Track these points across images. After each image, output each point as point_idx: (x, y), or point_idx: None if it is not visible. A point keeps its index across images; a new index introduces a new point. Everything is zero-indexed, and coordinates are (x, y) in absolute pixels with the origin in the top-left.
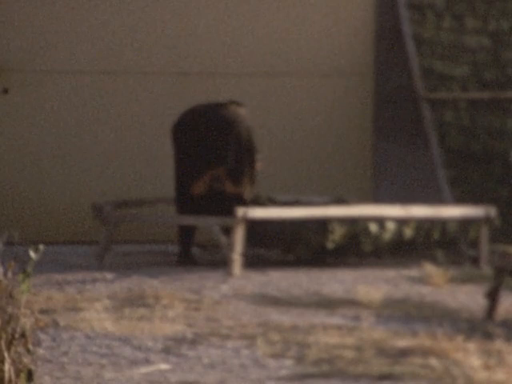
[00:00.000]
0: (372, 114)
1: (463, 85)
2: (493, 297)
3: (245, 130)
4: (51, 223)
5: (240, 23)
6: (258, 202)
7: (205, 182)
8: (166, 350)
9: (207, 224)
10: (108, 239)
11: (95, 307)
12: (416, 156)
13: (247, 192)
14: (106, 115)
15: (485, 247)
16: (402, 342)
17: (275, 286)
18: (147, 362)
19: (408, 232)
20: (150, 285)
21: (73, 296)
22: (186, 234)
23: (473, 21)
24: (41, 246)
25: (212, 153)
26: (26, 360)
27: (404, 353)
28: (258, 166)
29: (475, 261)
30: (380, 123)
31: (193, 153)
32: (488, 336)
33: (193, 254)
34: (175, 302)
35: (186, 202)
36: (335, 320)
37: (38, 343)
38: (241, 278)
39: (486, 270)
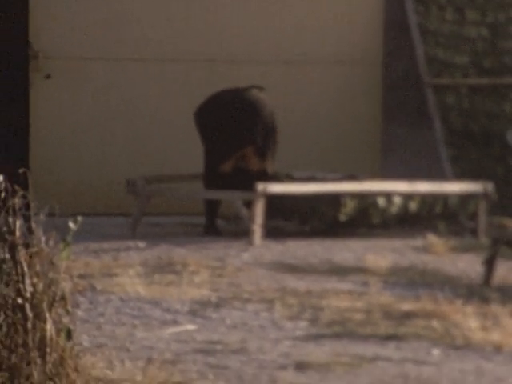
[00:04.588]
0: (380, 98)
1: (464, 72)
2: (490, 264)
3: (269, 112)
4: (89, 197)
5: (262, 15)
6: (277, 178)
7: (233, 161)
8: (193, 312)
9: (231, 198)
10: (140, 211)
11: (128, 273)
12: (420, 136)
13: (270, 168)
14: (140, 98)
15: (483, 219)
16: (407, 306)
17: (292, 255)
18: (175, 322)
19: (413, 205)
20: (178, 253)
21: (108, 263)
22: (212, 207)
23: (473, 13)
24: (79, 218)
25: (241, 133)
26: (65, 320)
27: (408, 315)
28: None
29: (474, 232)
30: (388, 106)
31: (222, 134)
32: (485, 300)
33: (217, 225)
34: (201, 268)
35: (214, 178)
36: (346, 286)
37: (76, 305)
38: (261, 247)
39: (484, 240)
